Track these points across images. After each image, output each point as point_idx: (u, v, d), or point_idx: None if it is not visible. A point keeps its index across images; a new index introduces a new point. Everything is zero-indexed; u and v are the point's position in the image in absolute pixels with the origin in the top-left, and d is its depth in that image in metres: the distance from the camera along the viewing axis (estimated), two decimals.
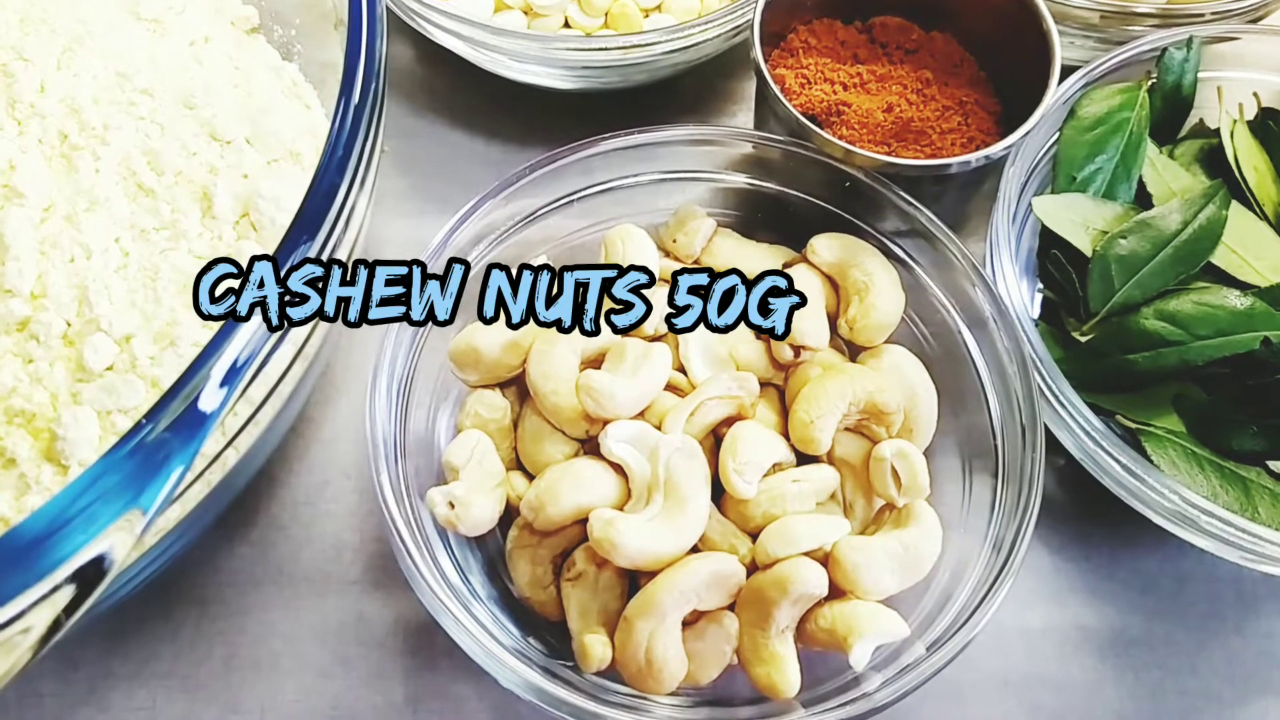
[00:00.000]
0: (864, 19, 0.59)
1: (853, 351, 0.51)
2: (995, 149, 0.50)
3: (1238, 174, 0.53)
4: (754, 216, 0.54)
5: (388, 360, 0.46)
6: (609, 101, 0.63)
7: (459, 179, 0.62)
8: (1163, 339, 0.48)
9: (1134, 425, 0.48)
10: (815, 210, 0.53)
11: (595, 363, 0.48)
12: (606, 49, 0.56)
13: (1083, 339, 0.50)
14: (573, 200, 0.54)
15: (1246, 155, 0.54)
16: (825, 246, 0.51)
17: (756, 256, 0.52)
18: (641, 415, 0.47)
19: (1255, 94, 0.56)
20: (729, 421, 0.47)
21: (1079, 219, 0.51)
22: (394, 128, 0.63)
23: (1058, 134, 0.53)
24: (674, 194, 0.54)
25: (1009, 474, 0.46)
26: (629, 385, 0.46)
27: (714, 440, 0.47)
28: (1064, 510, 0.53)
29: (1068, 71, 0.53)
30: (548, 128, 0.63)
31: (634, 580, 0.45)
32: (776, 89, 0.52)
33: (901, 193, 0.50)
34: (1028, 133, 0.51)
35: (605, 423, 0.45)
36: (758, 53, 0.52)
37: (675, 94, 0.65)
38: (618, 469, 0.45)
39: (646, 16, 0.59)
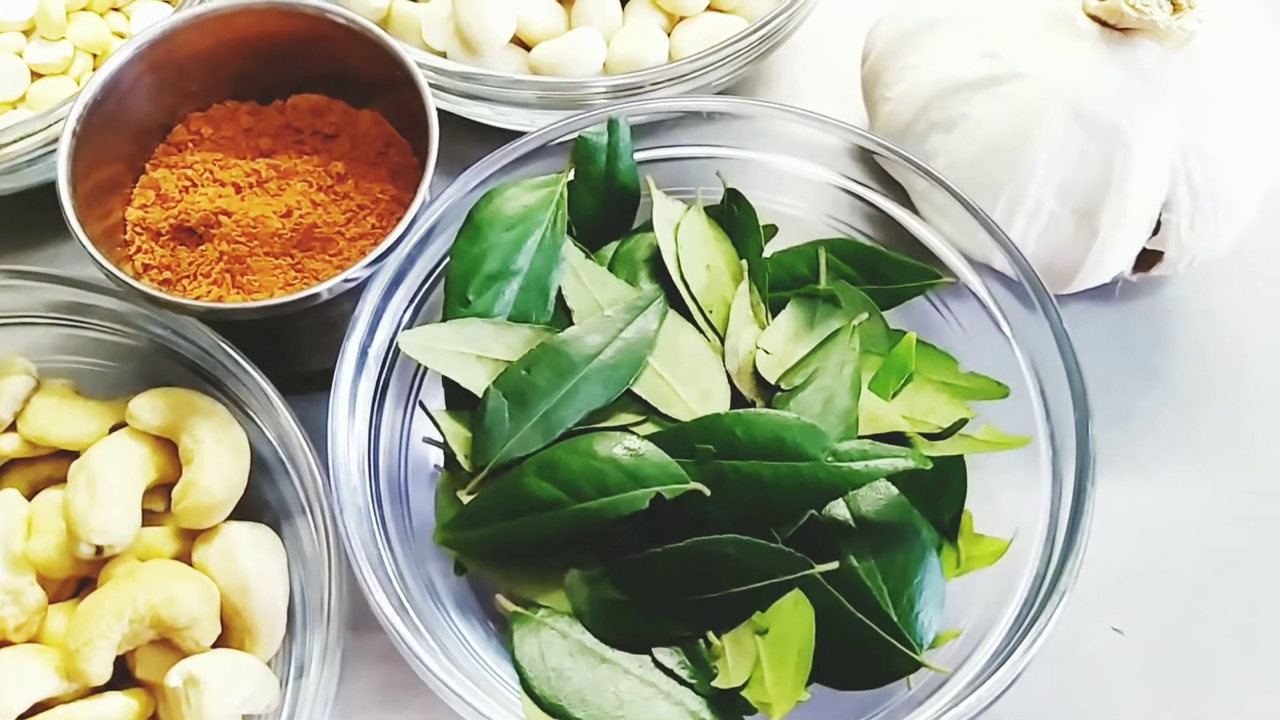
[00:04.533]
0: (285, 96, 0.50)
1: None
2: (323, 287, 0.42)
3: (678, 276, 0.45)
4: (126, 367, 0.45)
5: None
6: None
7: None
8: (542, 501, 0.40)
9: (512, 608, 0.40)
10: (181, 359, 0.44)
11: None
12: None
13: (466, 499, 0.42)
14: None
15: (699, 250, 0.46)
16: (148, 407, 0.41)
17: (80, 420, 0.42)
18: None
19: (719, 173, 0.47)
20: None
21: (472, 350, 0.43)
22: None
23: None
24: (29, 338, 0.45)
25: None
26: None
27: None
28: None
29: None
30: None
31: None
32: (75, 222, 0.42)
33: (214, 342, 0.41)
34: (385, 254, 0.42)
35: None
36: (61, 175, 0.43)
37: None
38: None
39: None
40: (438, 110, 0.45)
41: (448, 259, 0.44)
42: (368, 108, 0.49)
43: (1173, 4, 0.43)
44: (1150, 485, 0.49)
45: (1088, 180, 0.45)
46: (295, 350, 0.47)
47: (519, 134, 0.46)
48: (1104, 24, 0.44)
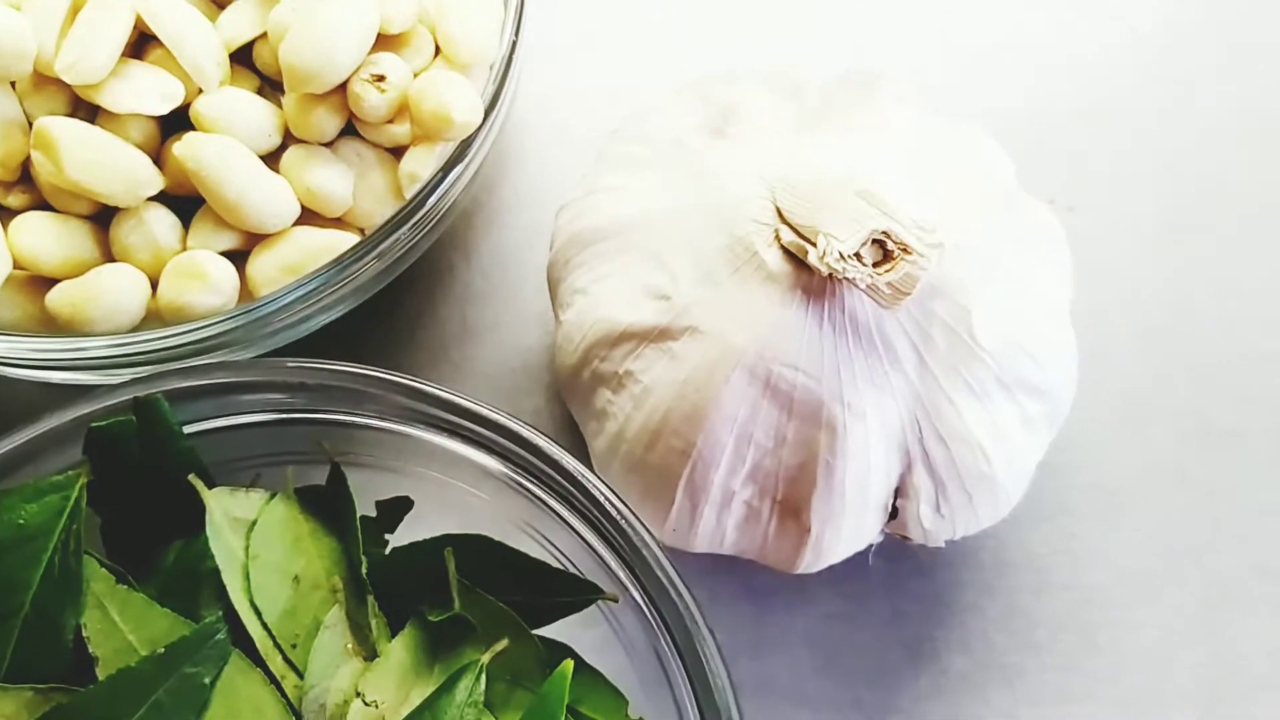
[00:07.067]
0: None
1: None
2: None
3: (245, 601, 0.34)
4: None
5: None
6: None
7: None
8: None
9: None
10: None
11: None
12: None
13: None
14: None
15: (284, 558, 0.34)
16: None
17: None
18: None
19: (324, 443, 0.35)
20: None
21: None
22: None
23: None
24: None
25: None
26: None
27: None
28: None
29: None
30: None
31: None
32: None
33: None
34: None
35: None
36: None
37: None
38: None
39: None
40: None
41: None
42: None
43: (883, 250, 0.31)
44: None
45: (788, 469, 0.33)
46: None
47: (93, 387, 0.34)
48: (800, 263, 0.32)
